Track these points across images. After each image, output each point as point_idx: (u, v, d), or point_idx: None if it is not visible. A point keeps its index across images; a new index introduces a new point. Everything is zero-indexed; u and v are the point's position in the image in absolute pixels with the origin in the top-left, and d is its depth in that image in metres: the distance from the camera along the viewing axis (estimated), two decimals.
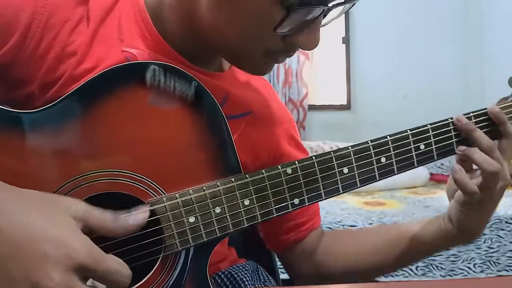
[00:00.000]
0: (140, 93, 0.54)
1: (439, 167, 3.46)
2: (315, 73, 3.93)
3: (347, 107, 3.91)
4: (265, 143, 0.75)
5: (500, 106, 0.69)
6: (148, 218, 0.52)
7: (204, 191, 0.55)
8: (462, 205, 0.68)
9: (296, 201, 0.59)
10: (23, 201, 0.45)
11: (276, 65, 2.89)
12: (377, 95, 3.77)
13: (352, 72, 3.89)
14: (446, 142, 0.66)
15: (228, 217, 0.56)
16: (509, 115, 0.68)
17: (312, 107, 3.86)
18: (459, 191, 0.67)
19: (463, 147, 0.65)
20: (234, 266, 0.79)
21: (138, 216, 0.50)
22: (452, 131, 0.66)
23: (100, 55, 0.61)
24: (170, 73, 0.55)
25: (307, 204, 0.60)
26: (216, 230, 0.56)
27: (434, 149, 0.65)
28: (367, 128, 3.54)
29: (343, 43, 3.92)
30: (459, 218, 0.69)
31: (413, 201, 2.74)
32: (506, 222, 2.33)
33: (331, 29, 3.93)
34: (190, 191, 0.55)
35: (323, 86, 3.98)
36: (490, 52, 3.59)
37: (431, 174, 3.43)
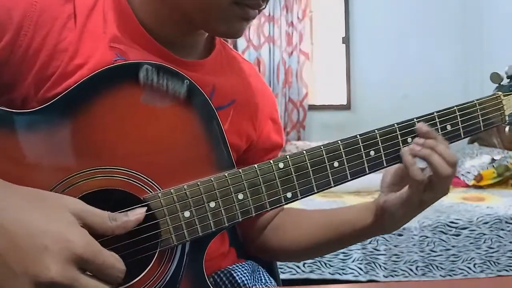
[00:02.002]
0: (134, 92, 0.55)
1: None
2: (315, 73, 3.94)
3: (347, 107, 3.91)
4: (252, 123, 0.78)
5: (479, 101, 0.70)
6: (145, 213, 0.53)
7: (198, 186, 0.56)
8: (404, 203, 0.69)
9: (289, 194, 0.60)
10: (19, 197, 0.46)
11: (276, 64, 2.86)
12: (377, 95, 3.78)
13: (352, 72, 3.90)
14: None
15: (222, 211, 0.57)
16: (487, 110, 0.71)
17: (312, 107, 3.87)
18: (404, 189, 0.68)
19: (421, 140, 0.65)
20: (234, 266, 0.80)
21: (136, 213, 0.51)
22: (438, 124, 0.67)
23: (89, 51, 0.62)
24: (163, 73, 0.56)
25: (299, 197, 0.60)
26: (211, 224, 0.56)
27: None
28: (367, 128, 3.52)
29: (343, 43, 3.93)
30: (395, 214, 0.71)
31: None
32: (506, 222, 2.33)
33: (331, 29, 3.94)
34: (185, 186, 0.55)
35: (323, 86, 3.99)
36: (490, 52, 3.59)
37: None
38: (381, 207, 0.72)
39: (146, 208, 0.53)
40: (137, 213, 0.51)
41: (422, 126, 0.66)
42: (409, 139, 0.66)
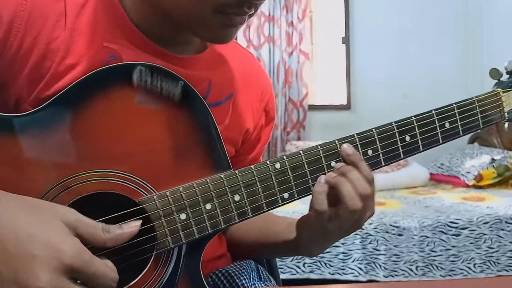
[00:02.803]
0: (128, 94, 0.55)
1: (439, 167, 3.46)
2: (315, 73, 3.93)
3: (347, 107, 3.90)
4: (251, 115, 0.77)
5: (478, 98, 0.70)
6: (139, 216, 0.53)
7: (194, 188, 0.55)
8: (306, 227, 0.66)
9: (286, 195, 0.59)
10: (12, 204, 0.46)
11: (276, 64, 2.86)
12: (377, 95, 3.77)
13: (352, 72, 3.89)
14: (432, 133, 0.66)
15: (219, 213, 0.56)
16: (486, 107, 0.70)
17: (312, 107, 3.86)
18: (308, 214, 0.64)
19: (338, 165, 0.61)
20: (232, 265, 0.80)
21: (130, 226, 0.51)
22: (436, 122, 0.66)
23: (81, 50, 0.61)
24: (157, 74, 0.55)
25: (297, 198, 0.60)
26: (208, 226, 0.56)
27: (419, 140, 0.66)
28: (367, 128, 3.54)
29: (343, 43, 3.92)
30: (301, 238, 0.68)
31: (413, 201, 2.74)
32: (506, 222, 2.33)
33: (331, 29, 3.93)
34: (180, 188, 0.55)
35: (323, 86, 3.99)
36: (490, 52, 3.59)
37: (431, 174, 3.43)
38: (297, 229, 0.69)
39: (141, 221, 0.52)
40: (131, 226, 0.51)
41: (346, 148, 0.61)
42: (407, 138, 0.65)
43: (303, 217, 0.67)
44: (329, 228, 0.62)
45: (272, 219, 0.79)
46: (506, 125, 0.74)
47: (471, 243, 2.30)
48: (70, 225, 0.46)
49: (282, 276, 2.08)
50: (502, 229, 2.32)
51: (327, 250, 2.21)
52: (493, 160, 3.14)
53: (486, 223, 2.32)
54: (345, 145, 0.61)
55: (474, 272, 2.27)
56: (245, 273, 0.78)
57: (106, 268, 0.46)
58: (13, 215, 0.44)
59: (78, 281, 0.44)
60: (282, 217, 0.80)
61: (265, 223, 0.78)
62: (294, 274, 2.20)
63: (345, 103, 3.92)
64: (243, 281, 0.76)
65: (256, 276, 0.80)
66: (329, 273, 2.23)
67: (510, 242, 2.31)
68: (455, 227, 2.31)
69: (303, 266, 2.22)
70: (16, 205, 0.46)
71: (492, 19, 3.61)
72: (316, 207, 0.59)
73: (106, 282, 0.46)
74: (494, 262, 2.29)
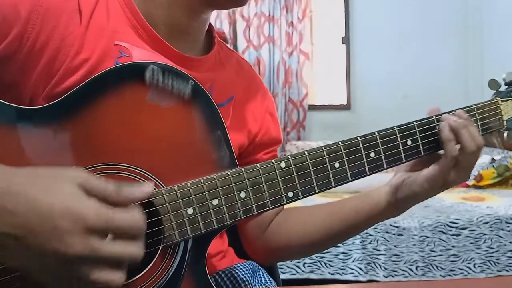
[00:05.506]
0: (140, 92, 0.57)
1: None
2: (315, 73, 3.95)
3: (347, 107, 3.92)
4: (253, 118, 0.79)
5: (477, 105, 0.72)
6: (147, 209, 0.54)
7: (201, 184, 0.56)
8: (428, 181, 0.70)
9: (290, 194, 0.61)
10: (19, 180, 0.46)
11: (276, 65, 2.91)
12: (377, 95, 3.78)
13: (352, 72, 3.90)
14: (432, 138, 0.69)
15: (225, 209, 0.57)
16: (485, 114, 0.73)
17: (312, 107, 3.88)
18: (429, 169, 0.69)
19: (459, 114, 0.68)
20: (234, 266, 0.80)
21: (142, 190, 0.51)
22: (437, 128, 0.68)
23: (94, 46, 0.62)
24: (168, 73, 0.57)
25: (301, 197, 0.61)
26: (214, 221, 0.57)
27: (420, 145, 0.68)
28: (367, 128, 3.51)
29: (343, 43, 3.93)
30: (417, 192, 0.71)
31: None
32: (506, 222, 2.33)
33: (331, 29, 3.94)
34: (188, 183, 0.56)
35: (323, 86, 4.00)
36: (490, 52, 3.60)
37: None
38: (398, 186, 0.73)
39: (153, 184, 0.53)
40: (143, 191, 0.51)
41: (461, 113, 0.70)
42: (409, 142, 0.67)
43: (413, 177, 0.71)
44: (449, 179, 0.69)
45: (335, 204, 0.81)
46: (505, 134, 0.77)
47: (471, 243, 2.30)
48: (80, 184, 0.47)
49: (282, 276, 2.07)
50: (502, 229, 2.32)
51: (327, 250, 2.22)
52: (493, 160, 3.15)
53: (486, 223, 2.33)
54: (459, 111, 0.70)
55: (474, 272, 2.27)
56: (247, 273, 0.79)
57: (129, 217, 0.47)
58: (27, 191, 0.45)
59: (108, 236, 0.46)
60: (347, 198, 0.82)
61: (330, 210, 0.80)
62: (294, 274, 2.21)
63: (345, 103, 3.94)
64: (245, 281, 0.77)
65: (256, 276, 0.81)
66: (329, 273, 2.23)
67: (510, 242, 2.31)
68: (455, 227, 2.31)
69: (303, 266, 2.22)
70: (24, 179, 0.46)
71: (492, 19, 3.62)
72: (452, 153, 0.67)
73: (133, 232, 0.47)
74: (494, 262, 2.29)
